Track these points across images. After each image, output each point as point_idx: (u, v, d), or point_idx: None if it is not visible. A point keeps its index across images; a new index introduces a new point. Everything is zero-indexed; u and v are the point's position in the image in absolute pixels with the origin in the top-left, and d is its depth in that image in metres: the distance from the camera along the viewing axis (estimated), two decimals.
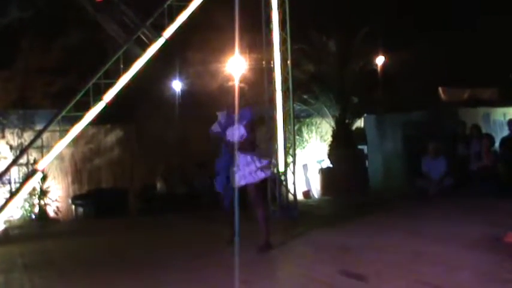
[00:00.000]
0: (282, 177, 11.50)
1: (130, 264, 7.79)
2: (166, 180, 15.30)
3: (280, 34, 11.63)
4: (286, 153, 11.56)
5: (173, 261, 7.75)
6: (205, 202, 13.82)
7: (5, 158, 15.87)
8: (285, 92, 11.69)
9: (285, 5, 11.63)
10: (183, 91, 19.01)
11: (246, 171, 7.58)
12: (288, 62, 11.67)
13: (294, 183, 11.72)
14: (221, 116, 8.09)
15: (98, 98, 10.93)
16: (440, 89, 20.46)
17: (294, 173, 11.75)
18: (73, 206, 15.01)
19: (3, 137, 16.24)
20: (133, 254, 8.58)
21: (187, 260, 7.72)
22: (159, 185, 15.39)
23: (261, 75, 12.43)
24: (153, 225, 12.27)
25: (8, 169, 11.30)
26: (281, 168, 11.48)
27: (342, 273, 6.22)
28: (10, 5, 14.32)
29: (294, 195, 11.70)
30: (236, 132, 7.57)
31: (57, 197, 14.92)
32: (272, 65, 11.70)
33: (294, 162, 11.83)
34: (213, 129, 8.13)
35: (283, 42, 11.67)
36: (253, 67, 15.37)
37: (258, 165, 7.63)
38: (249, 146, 7.69)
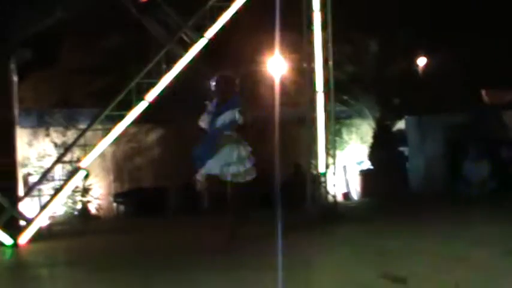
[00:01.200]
0: (322, 179, 11.49)
1: (170, 264, 7.83)
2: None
3: (321, 35, 11.62)
4: (326, 155, 11.55)
5: (214, 264, 7.75)
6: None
7: (50, 155, 16.22)
8: (325, 93, 11.67)
9: (327, 6, 11.62)
10: None
11: (239, 166, 7.57)
12: (329, 62, 11.65)
13: (334, 185, 11.70)
14: (210, 105, 7.88)
15: (140, 98, 11.07)
16: (483, 91, 20.17)
17: (334, 174, 11.72)
18: (114, 204, 15.22)
19: (48, 135, 16.61)
20: (173, 254, 8.62)
21: (227, 262, 7.71)
22: (199, 184, 15.45)
23: (302, 76, 12.44)
24: (192, 224, 12.35)
25: (52, 166, 11.54)
26: (321, 170, 11.47)
27: (382, 276, 6.19)
28: (55, 6, 14.52)
29: (334, 196, 11.68)
30: (228, 117, 7.46)
31: (99, 195, 15.17)
32: (313, 66, 11.70)
33: (334, 163, 11.80)
34: (200, 124, 7.83)
35: (324, 43, 11.65)
36: (294, 68, 15.36)
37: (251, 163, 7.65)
38: (242, 133, 7.61)
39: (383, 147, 16.27)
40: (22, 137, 16.26)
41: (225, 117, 7.45)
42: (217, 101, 7.64)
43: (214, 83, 7.68)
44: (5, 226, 10.45)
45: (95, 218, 14.67)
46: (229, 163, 7.54)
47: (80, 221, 13.64)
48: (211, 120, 7.57)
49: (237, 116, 7.43)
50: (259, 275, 6.61)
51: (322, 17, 11.65)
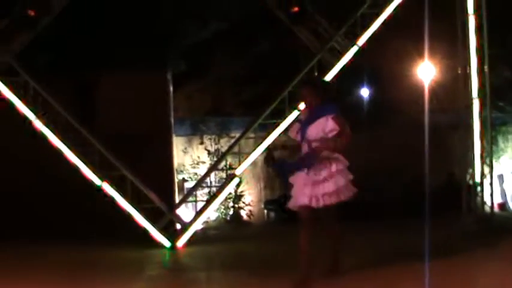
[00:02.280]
0: (478, 188, 11.05)
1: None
2: (356, 187, 15.24)
3: (476, 39, 11.22)
4: (482, 163, 11.10)
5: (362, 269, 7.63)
6: (395, 211, 13.61)
7: (203, 162, 16.84)
8: (481, 99, 11.24)
9: (482, 9, 11.20)
10: (371, 97, 18.91)
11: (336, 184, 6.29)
12: (485, 68, 11.21)
13: (490, 195, 11.21)
14: (302, 114, 7.02)
15: (293, 107, 11.20)
16: None
17: (491, 184, 11.24)
18: (265, 211, 15.47)
19: (202, 142, 17.26)
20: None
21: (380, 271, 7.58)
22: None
23: (455, 81, 12.06)
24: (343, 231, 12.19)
25: (208, 173, 11.94)
26: (477, 179, 11.04)
27: None
28: (211, 18, 15.13)
29: (491, 207, 11.20)
30: (321, 126, 6.19)
31: (250, 201, 15.49)
32: (468, 71, 11.30)
33: (491, 172, 11.32)
34: (290, 134, 6.76)
35: (479, 47, 11.24)
36: (447, 73, 14.91)
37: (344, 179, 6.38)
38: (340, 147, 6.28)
39: None
40: (177, 144, 17.03)
41: (316, 127, 6.22)
42: (309, 109, 6.56)
43: (304, 89, 6.66)
44: (163, 230, 10.96)
45: (247, 223, 14.99)
46: (317, 182, 6.21)
47: (232, 227, 13.99)
48: (302, 130, 6.39)
49: (331, 124, 6.16)
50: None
51: (476, 20, 11.24)
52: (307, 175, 6.20)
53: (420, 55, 13.41)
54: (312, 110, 6.38)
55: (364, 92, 19.06)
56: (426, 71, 14.69)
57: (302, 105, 7.11)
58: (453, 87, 13.18)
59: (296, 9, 11.14)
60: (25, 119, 10.83)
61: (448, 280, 6.13)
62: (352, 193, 6.49)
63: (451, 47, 12.25)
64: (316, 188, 6.19)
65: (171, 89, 15.54)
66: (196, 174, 16.85)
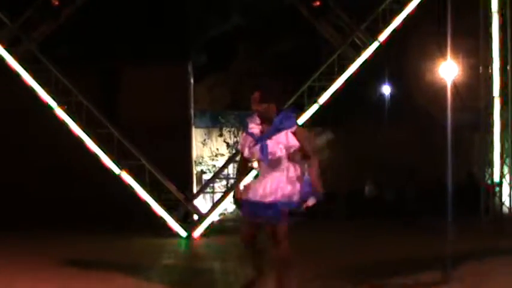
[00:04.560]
0: (497, 189, 11.00)
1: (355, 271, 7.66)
2: (375, 186, 15.26)
3: (499, 38, 11.14)
4: (502, 163, 11.04)
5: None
6: (413, 209, 13.56)
7: (223, 155, 16.92)
8: (502, 98, 11.17)
9: (506, 8, 11.12)
10: (392, 96, 18.83)
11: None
12: (508, 67, 11.13)
13: (509, 195, 11.14)
14: (251, 121, 5.42)
15: (312, 100, 11.22)
16: None
17: (510, 184, 11.17)
18: None
19: (221, 135, 17.34)
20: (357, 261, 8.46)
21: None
22: (367, 190, 15.39)
23: (476, 81, 11.99)
24: (361, 229, 12.13)
25: (225, 165, 11.99)
26: (496, 179, 10.98)
27: None
28: (232, 12, 15.17)
29: (510, 208, 11.12)
30: (281, 142, 5.18)
31: None
32: (490, 70, 11.23)
33: (510, 173, 11.24)
34: (240, 150, 5.49)
35: (502, 46, 11.16)
36: (468, 72, 14.81)
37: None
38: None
39: None
40: (197, 136, 17.12)
41: (276, 143, 5.19)
42: (261, 120, 5.34)
43: (257, 94, 5.34)
44: (180, 220, 11.04)
45: None
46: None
47: None
48: (261, 146, 5.22)
49: (291, 140, 5.19)
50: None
51: (500, 19, 11.15)
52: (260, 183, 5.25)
53: (442, 53, 13.35)
54: (265, 122, 5.29)
55: (385, 90, 18.98)
56: (448, 69, 14.59)
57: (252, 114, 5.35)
58: (474, 85, 13.09)
59: (318, 3, 11.13)
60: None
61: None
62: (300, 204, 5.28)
63: (473, 45, 12.17)
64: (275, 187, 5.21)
65: (192, 81, 15.61)
66: (214, 166, 16.92)
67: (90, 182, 12.19)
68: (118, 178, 10.96)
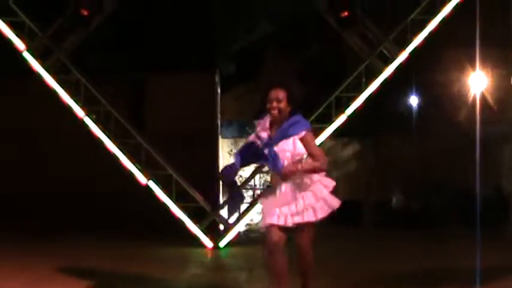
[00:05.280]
0: None
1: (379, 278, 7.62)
2: (402, 196, 15.16)
3: None
4: None
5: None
6: (441, 221, 13.44)
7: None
8: None
9: None
10: (420, 107, 18.67)
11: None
12: None
13: None
14: (260, 126, 5.35)
15: (339, 111, 11.17)
16: None
17: None
18: None
19: None
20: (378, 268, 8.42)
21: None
22: (394, 200, 15.29)
23: (506, 92, 11.85)
24: (389, 238, 12.05)
25: (252, 176, 11.96)
26: None
27: None
28: (260, 21, 15.17)
29: None
30: (288, 149, 5.13)
31: None
32: None
33: None
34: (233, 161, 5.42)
35: None
36: (498, 83, 14.64)
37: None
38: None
39: None
40: (223, 146, 17.13)
41: (283, 150, 5.16)
42: (270, 123, 5.31)
43: (275, 91, 5.31)
44: (206, 229, 11.05)
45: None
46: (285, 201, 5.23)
47: None
48: (269, 152, 5.16)
49: (299, 148, 5.13)
50: None
51: None
52: (276, 194, 5.26)
53: (471, 63, 13.25)
54: (274, 125, 5.22)
55: (413, 101, 18.82)
56: (478, 80, 14.46)
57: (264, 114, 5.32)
58: (504, 97, 12.96)
59: (346, 13, 11.08)
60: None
61: None
62: (326, 213, 5.30)
63: (503, 55, 12.03)
64: (285, 207, 5.20)
65: (219, 91, 15.63)
66: (241, 176, 16.88)
67: (116, 191, 12.28)
68: (145, 188, 11.02)
